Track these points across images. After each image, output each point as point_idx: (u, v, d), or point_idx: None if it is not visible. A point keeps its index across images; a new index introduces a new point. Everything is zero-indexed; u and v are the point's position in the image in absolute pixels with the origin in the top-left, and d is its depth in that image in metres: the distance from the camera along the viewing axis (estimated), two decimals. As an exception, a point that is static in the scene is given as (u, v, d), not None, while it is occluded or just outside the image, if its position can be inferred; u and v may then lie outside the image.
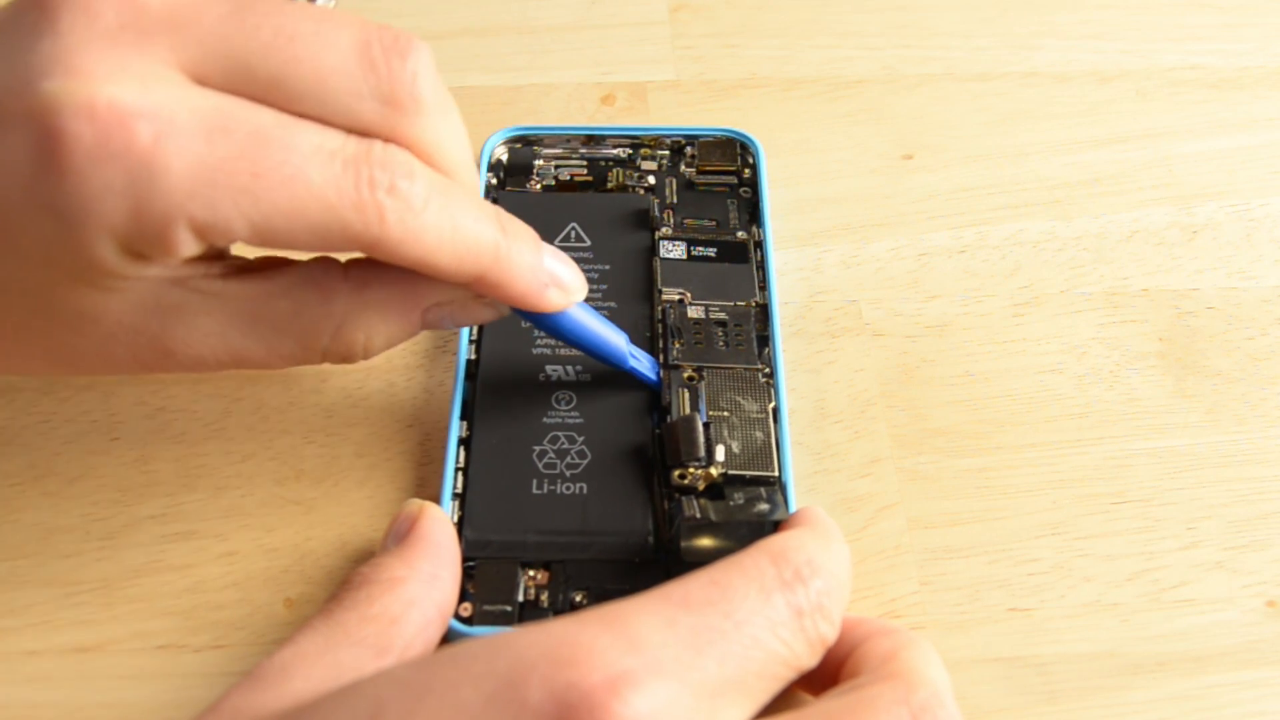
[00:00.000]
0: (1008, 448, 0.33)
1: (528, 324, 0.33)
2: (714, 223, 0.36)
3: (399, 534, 0.27)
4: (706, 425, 0.31)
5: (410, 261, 0.25)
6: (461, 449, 0.31)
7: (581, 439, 0.31)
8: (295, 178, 0.23)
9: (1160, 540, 0.31)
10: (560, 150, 0.38)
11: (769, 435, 0.31)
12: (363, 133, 0.24)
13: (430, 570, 0.26)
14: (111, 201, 0.22)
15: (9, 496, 0.31)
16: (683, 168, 0.38)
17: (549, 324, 0.31)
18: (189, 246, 0.24)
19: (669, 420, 0.31)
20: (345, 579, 0.26)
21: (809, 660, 0.23)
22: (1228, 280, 0.37)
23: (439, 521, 0.27)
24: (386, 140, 0.24)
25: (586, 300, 0.34)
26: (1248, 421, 0.34)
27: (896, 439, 0.33)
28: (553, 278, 0.28)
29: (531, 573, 0.29)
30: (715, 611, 0.22)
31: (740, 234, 0.36)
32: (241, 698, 0.23)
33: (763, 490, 0.30)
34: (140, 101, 0.22)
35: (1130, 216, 0.39)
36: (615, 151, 0.38)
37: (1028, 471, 0.32)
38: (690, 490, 0.30)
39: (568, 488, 0.30)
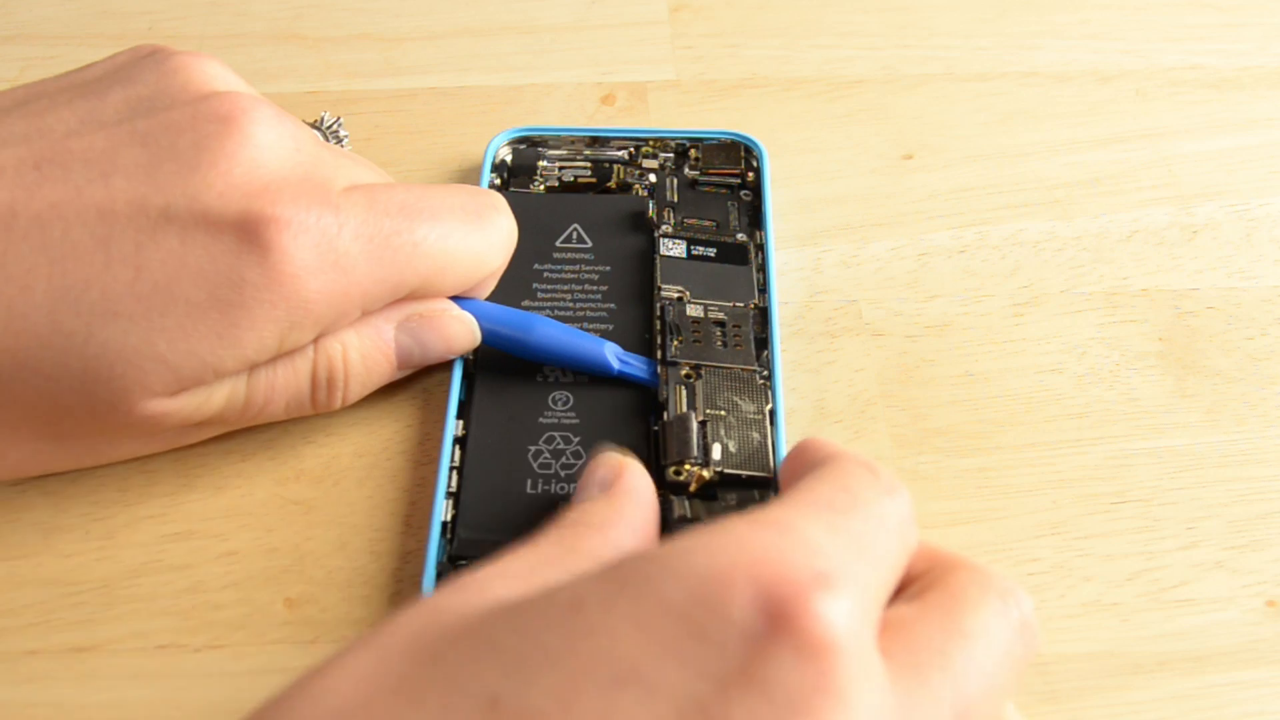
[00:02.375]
0: (1008, 448, 0.33)
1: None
2: (714, 224, 0.36)
3: (603, 483, 0.27)
4: (703, 424, 0.31)
5: None
6: (457, 448, 0.31)
7: (577, 440, 0.31)
8: None
9: (1160, 540, 0.31)
10: (564, 151, 0.38)
11: (765, 436, 0.31)
12: None
13: (638, 521, 0.26)
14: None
15: (9, 496, 0.31)
16: (686, 170, 0.38)
17: (523, 349, 0.32)
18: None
19: (665, 419, 0.31)
20: (554, 520, 0.25)
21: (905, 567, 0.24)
22: (1228, 280, 0.37)
23: (642, 476, 0.27)
24: None
25: (586, 301, 0.34)
26: (1248, 421, 0.34)
27: (896, 439, 0.33)
28: None
29: None
30: (858, 516, 0.22)
31: (740, 236, 0.36)
32: (444, 599, 0.22)
33: (756, 493, 0.30)
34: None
35: (1130, 216, 0.39)
36: (619, 153, 0.38)
37: (1028, 471, 0.32)
38: (683, 488, 0.30)
39: (562, 488, 0.30)
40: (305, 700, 0.20)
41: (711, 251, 0.35)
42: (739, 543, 0.21)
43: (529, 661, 0.20)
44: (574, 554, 0.24)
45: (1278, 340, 0.36)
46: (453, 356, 0.32)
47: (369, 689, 0.20)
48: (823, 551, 0.21)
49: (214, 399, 0.29)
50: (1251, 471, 0.33)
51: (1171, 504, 0.32)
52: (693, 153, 0.38)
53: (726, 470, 0.30)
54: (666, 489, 0.30)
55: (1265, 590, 0.30)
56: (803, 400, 0.34)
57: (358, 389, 0.31)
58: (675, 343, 0.33)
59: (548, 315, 0.33)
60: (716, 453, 0.30)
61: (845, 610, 0.20)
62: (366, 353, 0.30)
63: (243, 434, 0.32)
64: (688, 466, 0.30)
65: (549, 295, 0.34)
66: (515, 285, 0.34)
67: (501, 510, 0.30)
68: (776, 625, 0.19)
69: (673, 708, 0.19)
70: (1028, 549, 0.31)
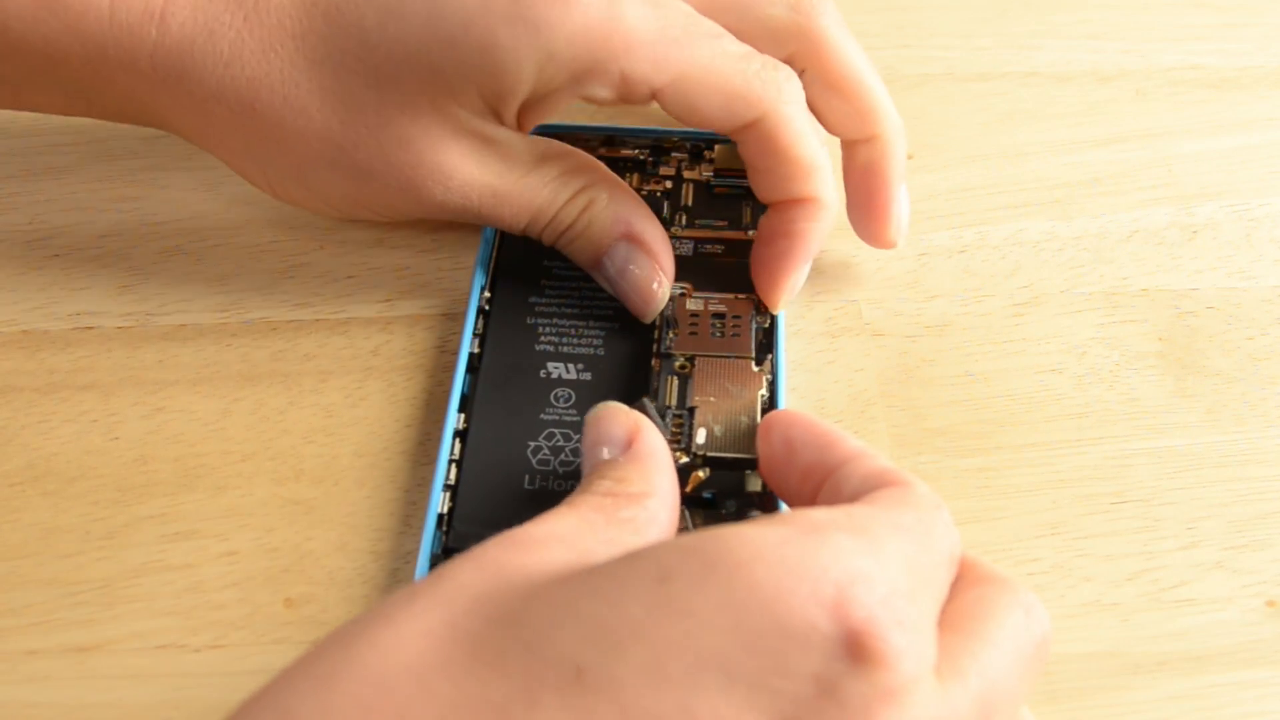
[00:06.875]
0: (1008, 448, 0.33)
1: (532, 320, 0.33)
2: (726, 223, 0.36)
3: (618, 442, 0.27)
4: (691, 410, 0.31)
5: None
6: (457, 441, 0.31)
7: (577, 437, 0.31)
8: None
9: (1160, 540, 0.31)
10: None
11: (754, 420, 0.31)
12: (774, 30, 0.34)
13: (666, 488, 0.26)
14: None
15: (9, 496, 0.31)
16: (701, 171, 0.38)
17: None
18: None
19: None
20: (585, 486, 0.26)
21: None
22: (1228, 280, 0.37)
23: (656, 434, 0.27)
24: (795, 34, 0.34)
25: (593, 301, 0.34)
26: (1248, 421, 0.34)
27: (896, 439, 0.33)
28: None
29: None
30: (930, 551, 0.23)
31: (750, 232, 0.36)
32: (501, 552, 0.22)
33: (754, 498, 0.30)
34: None
35: (1130, 216, 0.39)
36: (634, 153, 0.38)
37: (1028, 471, 0.32)
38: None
39: (559, 485, 0.30)
40: (374, 653, 0.20)
41: (720, 248, 0.35)
42: (835, 553, 0.21)
43: (613, 632, 0.20)
44: (614, 524, 0.24)
45: (1278, 340, 0.36)
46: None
47: (443, 649, 0.20)
48: (903, 585, 0.21)
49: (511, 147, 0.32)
50: (1251, 471, 0.33)
51: (1171, 504, 0.32)
52: (707, 154, 0.38)
53: (710, 453, 0.30)
54: None
55: (1265, 590, 0.30)
56: (803, 400, 0.34)
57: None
58: (671, 335, 0.33)
59: (554, 312, 0.34)
60: (701, 437, 0.30)
61: (917, 648, 0.21)
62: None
63: (243, 434, 0.32)
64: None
65: (556, 292, 0.34)
66: (523, 282, 0.34)
67: (498, 505, 0.30)
68: (855, 649, 0.20)
69: (750, 701, 0.19)
70: (1028, 549, 0.31)
